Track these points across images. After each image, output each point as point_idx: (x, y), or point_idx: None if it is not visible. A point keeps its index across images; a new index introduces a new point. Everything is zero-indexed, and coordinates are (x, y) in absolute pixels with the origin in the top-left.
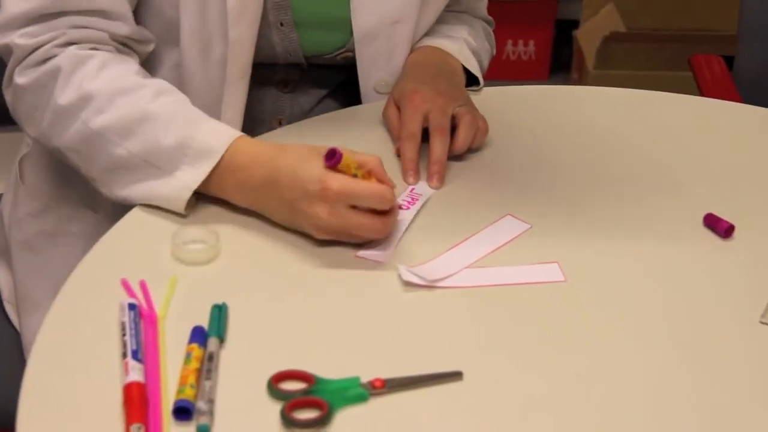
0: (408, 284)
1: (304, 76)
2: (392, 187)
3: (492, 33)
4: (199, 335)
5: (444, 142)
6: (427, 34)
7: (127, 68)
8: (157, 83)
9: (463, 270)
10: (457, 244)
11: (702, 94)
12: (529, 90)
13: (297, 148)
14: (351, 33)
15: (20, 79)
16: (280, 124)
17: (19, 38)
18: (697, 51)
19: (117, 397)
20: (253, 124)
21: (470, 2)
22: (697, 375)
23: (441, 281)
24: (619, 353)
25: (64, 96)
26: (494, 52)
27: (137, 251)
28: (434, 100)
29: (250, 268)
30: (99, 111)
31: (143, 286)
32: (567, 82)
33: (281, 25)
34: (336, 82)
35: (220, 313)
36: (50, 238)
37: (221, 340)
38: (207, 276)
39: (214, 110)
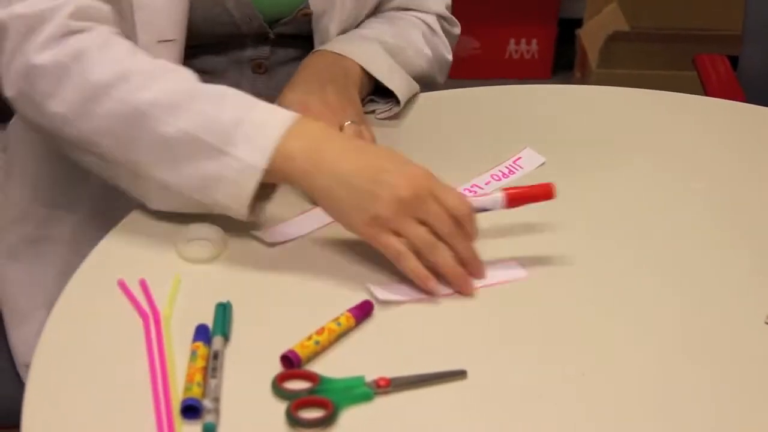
0: (382, 302)
1: (274, 52)
2: None
3: (441, 32)
4: (203, 333)
5: None
6: (339, 37)
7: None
8: (189, 70)
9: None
10: None
11: (706, 93)
12: (531, 89)
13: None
14: None
15: (38, 59)
16: None
17: (19, 7)
18: (700, 50)
19: (120, 399)
20: None
21: None
22: (703, 376)
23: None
24: (625, 353)
25: (99, 73)
26: (449, 57)
27: (140, 251)
28: (321, 114)
29: (254, 266)
30: (142, 86)
31: (143, 285)
32: (570, 81)
33: None
34: (306, 53)
35: (224, 311)
36: (32, 244)
37: (226, 338)
38: (210, 275)
39: None
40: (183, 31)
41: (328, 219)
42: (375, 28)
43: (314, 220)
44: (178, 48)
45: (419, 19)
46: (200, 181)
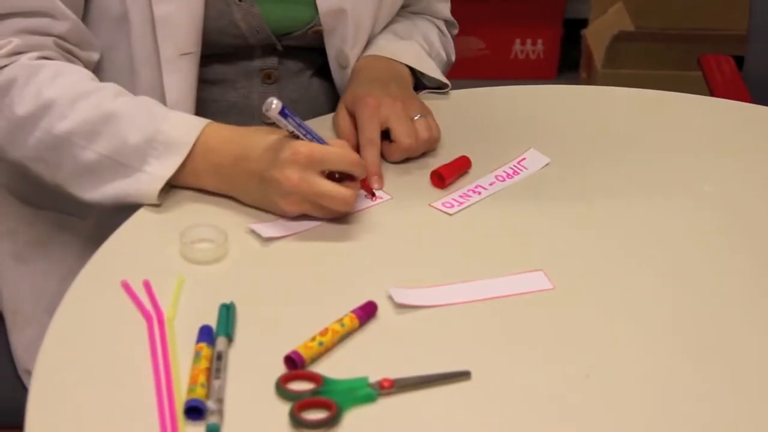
0: (400, 305)
1: (283, 63)
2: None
3: (451, 38)
4: (206, 334)
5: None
6: (380, 34)
7: (82, 75)
8: (113, 86)
9: (450, 285)
10: (464, 281)
11: (712, 94)
12: (536, 89)
13: (264, 127)
14: (316, 6)
15: None
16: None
17: None
18: (705, 51)
19: (123, 400)
20: (242, 118)
21: (429, 3)
22: (706, 377)
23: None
24: (629, 355)
25: (23, 106)
26: (453, 59)
27: (143, 252)
28: (391, 106)
29: (258, 267)
30: (62, 116)
31: (147, 285)
32: (575, 81)
33: (240, 0)
34: (316, 66)
35: (227, 312)
36: (40, 248)
37: (229, 339)
38: (214, 275)
39: (157, 91)
40: (200, 43)
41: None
42: (406, 28)
43: (310, 218)
44: (196, 59)
45: (433, 23)
46: (117, 198)
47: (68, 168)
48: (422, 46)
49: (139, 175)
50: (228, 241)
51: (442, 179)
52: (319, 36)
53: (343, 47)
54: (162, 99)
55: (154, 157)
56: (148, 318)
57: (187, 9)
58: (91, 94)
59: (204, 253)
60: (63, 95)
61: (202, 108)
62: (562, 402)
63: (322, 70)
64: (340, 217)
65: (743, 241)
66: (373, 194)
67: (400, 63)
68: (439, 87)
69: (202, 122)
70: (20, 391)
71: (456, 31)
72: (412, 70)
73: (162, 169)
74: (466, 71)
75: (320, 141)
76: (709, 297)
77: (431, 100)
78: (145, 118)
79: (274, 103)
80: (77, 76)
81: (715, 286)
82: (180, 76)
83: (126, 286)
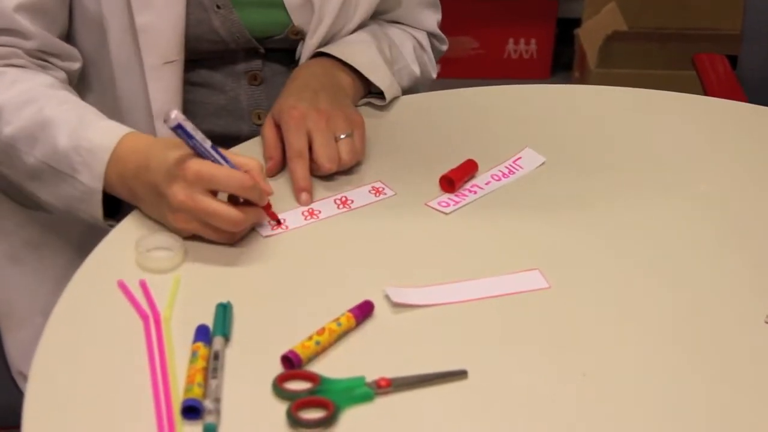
0: (396, 305)
1: (267, 65)
2: (270, 193)
3: (429, 49)
4: (203, 334)
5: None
6: (340, 40)
7: (40, 81)
8: (65, 93)
9: (446, 285)
10: (460, 280)
11: (706, 93)
12: (531, 89)
13: (175, 139)
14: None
15: None
16: (260, 118)
17: None
18: (698, 50)
19: (121, 400)
20: (232, 120)
21: (411, 11)
22: (702, 376)
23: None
24: (626, 354)
25: None
26: (432, 75)
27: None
28: (316, 121)
29: (254, 266)
30: (7, 122)
31: (144, 285)
32: (568, 81)
33: (218, 7)
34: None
35: (224, 311)
36: (35, 249)
37: (226, 338)
38: (210, 275)
39: (141, 99)
40: (182, 50)
41: (329, 213)
42: (371, 33)
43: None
44: (180, 67)
45: (410, 34)
46: (65, 201)
47: (20, 171)
48: (382, 53)
49: (72, 181)
50: (184, 248)
51: (452, 184)
52: (300, 37)
53: (311, 45)
54: (147, 106)
55: (80, 164)
56: (144, 318)
57: (167, 18)
58: (36, 101)
59: (160, 261)
60: (12, 101)
61: (192, 111)
62: (558, 401)
63: None
64: (235, 239)
65: (738, 239)
66: (278, 222)
67: (343, 71)
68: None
69: (123, 130)
70: (14, 392)
71: (445, 47)
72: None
73: (93, 180)
74: (459, 71)
75: (222, 160)
76: (704, 295)
77: (421, 100)
78: (74, 123)
79: (172, 116)
80: (34, 83)
81: (709, 284)
82: (164, 84)
83: (122, 286)
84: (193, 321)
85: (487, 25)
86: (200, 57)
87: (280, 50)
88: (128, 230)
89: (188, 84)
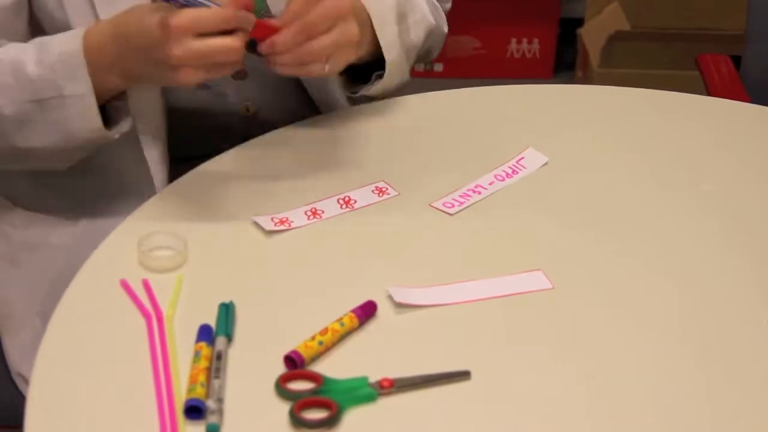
0: (399, 304)
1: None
2: (251, 9)
3: (437, 4)
4: (206, 333)
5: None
6: None
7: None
8: (4, 42)
9: (450, 285)
10: (463, 281)
11: (709, 93)
12: (534, 89)
13: (136, 8)
14: None
15: None
16: (248, 111)
17: None
18: (701, 50)
19: (123, 400)
20: (223, 117)
21: None
22: (708, 376)
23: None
24: (628, 353)
25: None
26: (445, 30)
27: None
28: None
29: (257, 266)
30: None
31: (146, 285)
32: (571, 80)
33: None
34: None
35: (227, 311)
36: (32, 250)
37: (229, 338)
38: (213, 275)
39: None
40: None
41: (332, 213)
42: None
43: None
44: None
45: None
46: (62, 131)
47: (6, 132)
48: (396, 8)
49: (63, 101)
50: (187, 248)
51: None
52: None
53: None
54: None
55: (61, 79)
56: (147, 317)
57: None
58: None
59: (162, 261)
60: None
61: (178, 114)
62: (561, 402)
63: None
64: (239, 73)
65: (742, 239)
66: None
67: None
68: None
69: (81, 29)
70: (14, 391)
71: (448, 6)
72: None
73: (77, 87)
74: (461, 70)
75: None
76: (709, 295)
77: (424, 100)
78: (33, 51)
79: None
80: None
81: (714, 284)
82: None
83: (125, 285)
84: (195, 320)
85: (489, 25)
86: None
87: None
88: (130, 230)
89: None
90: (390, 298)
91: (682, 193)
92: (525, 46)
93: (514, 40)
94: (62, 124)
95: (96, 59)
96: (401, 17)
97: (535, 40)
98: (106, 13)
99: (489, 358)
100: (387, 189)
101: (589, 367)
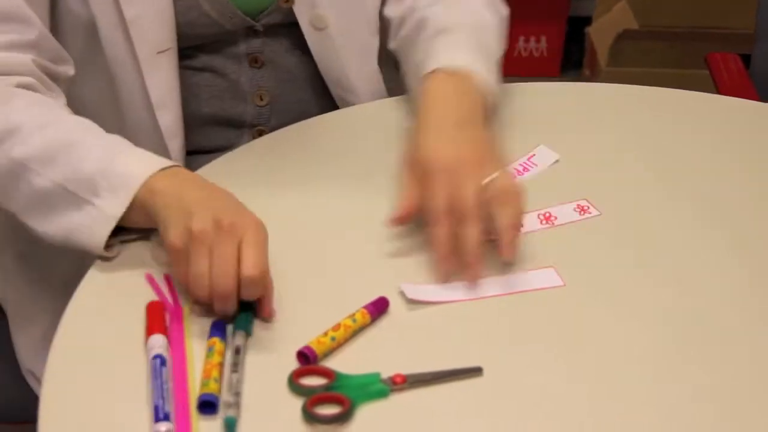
0: (411, 301)
1: (266, 44)
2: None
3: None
4: (219, 329)
5: (474, 232)
6: (423, 25)
7: (56, 103)
8: (86, 120)
9: (461, 282)
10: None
11: (719, 92)
12: (544, 86)
13: (225, 195)
14: None
15: None
16: (261, 99)
17: None
18: (709, 49)
19: (137, 393)
20: (235, 102)
21: None
22: (715, 378)
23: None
24: (639, 352)
25: None
26: (504, 12)
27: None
28: (460, 176)
29: (271, 263)
30: (23, 142)
31: (168, 280)
32: (578, 79)
33: None
34: (302, 47)
35: (248, 308)
36: (43, 248)
37: (248, 335)
38: None
39: (139, 92)
40: (175, 38)
41: None
42: (452, 16)
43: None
44: (174, 55)
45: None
46: (67, 230)
47: (22, 195)
48: (481, 51)
49: (88, 208)
50: None
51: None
52: (290, 6)
53: (317, 10)
54: (145, 97)
55: (104, 189)
56: (170, 312)
57: (155, 7)
58: (58, 122)
59: None
60: (30, 121)
61: (195, 95)
62: (572, 399)
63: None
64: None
65: (753, 238)
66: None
67: (470, 80)
68: None
69: (160, 163)
70: (24, 387)
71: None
72: None
73: (112, 207)
74: None
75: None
76: (719, 296)
77: None
78: (104, 150)
79: None
80: (50, 103)
81: (725, 285)
82: (160, 73)
83: (150, 279)
84: (210, 316)
85: None
86: (199, 42)
87: (278, 26)
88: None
89: (190, 69)
90: (402, 294)
91: (692, 191)
92: (533, 44)
93: (521, 37)
94: (71, 226)
95: (151, 197)
96: (480, 47)
97: (543, 38)
98: (129, 9)
99: (501, 355)
100: None
101: (600, 365)
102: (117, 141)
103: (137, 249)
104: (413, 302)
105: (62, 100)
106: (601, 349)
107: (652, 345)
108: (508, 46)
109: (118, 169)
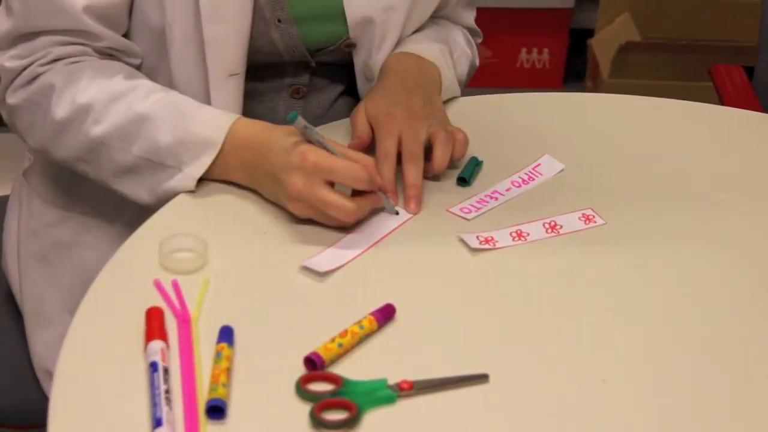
0: (327, 272)
1: (313, 80)
2: (383, 187)
3: (475, 44)
4: (227, 335)
5: (416, 167)
6: (407, 39)
7: (116, 71)
8: (146, 83)
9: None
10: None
11: (723, 104)
12: (549, 96)
13: (287, 127)
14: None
15: (12, 99)
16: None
17: (7, 62)
18: (712, 61)
19: (146, 397)
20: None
21: (454, 10)
22: (724, 383)
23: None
24: (645, 359)
25: (60, 110)
26: (477, 63)
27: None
28: (408, 124)
29: (279, 269)
30: (96, 121)
31: (176, 285)
32: (581, 90)
33: (279, 21)
34: (345, 82)
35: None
36: (65, 248)
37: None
38: (237, 277)
39: None
40: (245, 63)
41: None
42: (432, 30)
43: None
44: (241, 80)
45: (458, 25)
46: (157, 194)
47: (109, 168)
48: (443, 52)
49: (175, 173)
50: (208, 250)
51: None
52: (350, 50)
53: (368, 60)
54: None
55: (187, 156)
56: (177, 317)
57: (235, 30)
58: (124, 96)
59: (182, 263)
60: (98, 99)
61: None
62: (578, 406)
63: (350, 90)
64: (348, 225)
65: (758, 248)
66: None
67: (430, 62)
68: None
69: (229, 119)
70: (36, 392)
71: (479, 40)
72: None
73: (195, 169)
74: (472, 79)
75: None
76: (725, 304)
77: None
78: (174, 118)
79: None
80: (111, 74)
81: (731, 292)
82: (226, 96)
83: (158, 285)
84: (218, 321)
85: (500, 35)
86: (250, 67)
87: (328, 65)
88: (152, 230)
89: None
90: (313, 271)
91: (697, 202)
92: (535, 56)
93: (524, 49)
94: (159, 186)
95: (228, 156)
96: (450, 55)
97: (546, 50)
98: (211, 27)
99: (507, 362)
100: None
101: (607, 371)
102: (178, 105)
103: (145, 254)
104: (409, 305)
105: (123, 65)
106: (607, 356)
107: (658, 353)
108: (509, 59)
109: (194, 136)
